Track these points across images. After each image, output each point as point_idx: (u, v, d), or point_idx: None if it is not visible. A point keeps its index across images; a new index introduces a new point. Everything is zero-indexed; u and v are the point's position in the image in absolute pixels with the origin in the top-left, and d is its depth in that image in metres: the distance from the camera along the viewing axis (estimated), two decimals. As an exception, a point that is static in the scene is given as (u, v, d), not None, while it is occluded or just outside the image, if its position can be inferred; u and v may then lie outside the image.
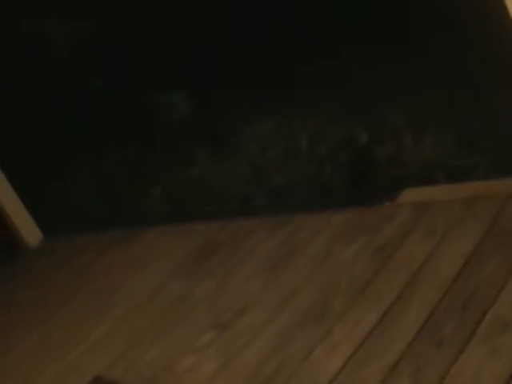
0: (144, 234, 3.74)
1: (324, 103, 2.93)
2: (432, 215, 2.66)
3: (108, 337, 3.02)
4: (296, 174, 3.12)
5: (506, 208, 2.52)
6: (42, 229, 4.53)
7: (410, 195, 2.83)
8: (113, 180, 3.95)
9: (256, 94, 3.09)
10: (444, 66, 2.62)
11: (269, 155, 3.18)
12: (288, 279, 2.74)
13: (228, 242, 3.20)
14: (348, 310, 2.41)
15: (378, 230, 2.71)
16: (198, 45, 3.18)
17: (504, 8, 2.37)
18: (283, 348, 2.39)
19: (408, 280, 2.41)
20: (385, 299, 2.38)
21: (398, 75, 2.73)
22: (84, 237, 4.10)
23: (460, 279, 2.32)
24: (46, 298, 3.71)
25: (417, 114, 2.76)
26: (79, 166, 4.07)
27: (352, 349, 2.24)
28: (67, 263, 3.97)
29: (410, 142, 2.80)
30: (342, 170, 2.99)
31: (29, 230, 4.49)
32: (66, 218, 4.34)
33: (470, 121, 2.66)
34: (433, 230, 2.58)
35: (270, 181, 3.21)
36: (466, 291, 2.25)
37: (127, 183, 3.88)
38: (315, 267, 2.72)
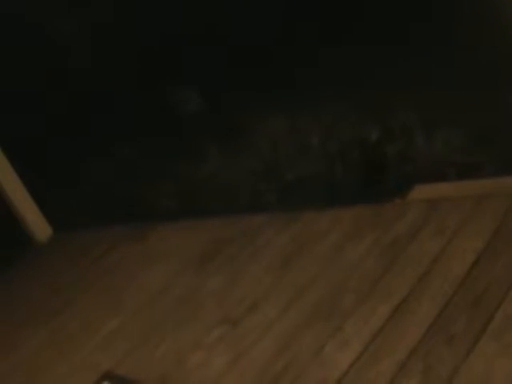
0: (155, 229, 3.75)
1: (335, 100, 2.93)
2: (443, 212, 2.66)
3: (118, 332, 3.03)
4: (307, 170, 3.11)
5: (516, 206, 2.52)
6: (52, 224, 4.54)
7: (420, 192, 2.83)
8: (123, 175, 3.95)
9: (268, 91, 3.09)
10: (456, 62, 2.61)
11: (280, 152, 3.18)
12: (298, 275, 2.74)
13: (238, 238, 3.20)
14: (358, 307, 2.42)
15: (388, 227, 2.71)
16: (210, 41, 3.18)
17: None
18: (293, 344, 2.40)
19: (418, 277, 2.42)
20: (395, 296, 2.38)
21: (409, 72, 2.72)
22: (94, 232, 4.11)
23: (470, 276, 2.32)
24: (55, 293, 3.72)
25: (428, 110, 2.75)
26: (90, 161, 4.07)
27: (362, 346, 2.24)
28: (77, 259, 3.98)
29: (420, 139, 2.79)
30: (353, 167, 2.99)
31: (39, 226, 4.51)
32: (76, 213, 4.35)
33: (481, 117, 2.65)
34: (443, 227, 2.58)
35: (280, 177, 3.21)
36: (477, 288, 2.25)
37: (138, 178, 3.88)
38: (326, 264, 2.72)
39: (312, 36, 2.87)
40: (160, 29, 3.32)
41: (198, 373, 2.52)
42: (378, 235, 2.70)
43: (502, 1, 2.39)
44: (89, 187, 4.18)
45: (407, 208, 2.77)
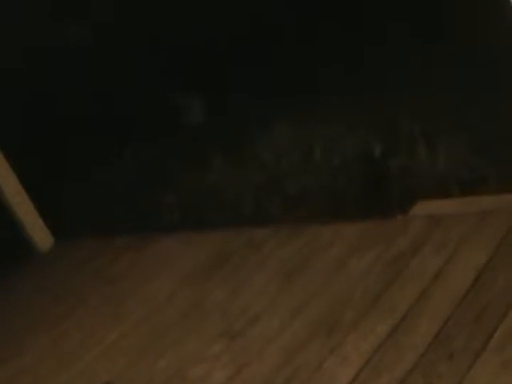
0: (158, 240, 3.74)
1: (339, 114, 2.95)
2: (445, 228, 2.66)
3: (119, 343, 3.02)
4: (310, 183, 3.12)
5: (519, 223, 2.52)
6: (54, 234, 4.54)
7: (423, 208, 2.83)
8: (127, 185, 3.96)
9: (273, 103, 3.11)
10: (459, 77, 2.63)
11: (284, 164, 3.19)
12: (301, 289, 2.75)
13: (242, 250, 3.20)
14: (360, 321, 2.42)
15: (391, 242, 2.71)
16: (216, 52, 3.19)
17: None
18: (294, 358, 2.40)
19: (420, 292, 2.42)
20: (397, 311, 2.38)
21: (413, 87, 2.74)
22: (96, 242, 4.11)
23: (472, 292, 2.32)
24: (57, 302, 3.72)
25: (431, 125, 2.77)
26: (93, 171, 4.08)
27: (363, 360, 2.24)
28: (79, 268, 3.97)
29: (424, 154, 2.80)
30: (356, 181, 3.00)
31: (41, 235, 4.50)
32: (79, 222, 4.35)
33: (484, 132, 2.66)
34: (445, 243, 2.58)
35: (284, 190, 3.22)
36: (478, 304, 2.26)
37: (141, 188, 3.89)
38: (328, 278, 2.73)
39: (318, 52, 2.89)
40: (165, 37, 3.34)
41: (199, 386, 2.53)
42: (380, 250, 2.70)
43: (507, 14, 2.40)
44: (91, 197, 4.19)
45: (410, 223, 2.77)
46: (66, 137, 4.07)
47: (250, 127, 3.22)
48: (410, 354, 2.18)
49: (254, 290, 2.90)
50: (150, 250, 3.70)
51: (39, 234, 4.49)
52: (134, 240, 3.87)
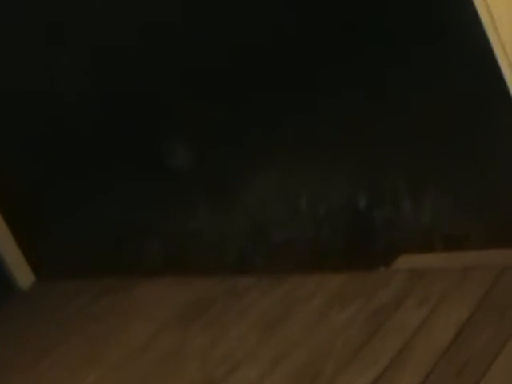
0: (139, 283, 3.73)
1: (325, 164, 2.96)
2: (427, 283, 2.67)
3: (98, 386, 3.01)
4: (294, 233, 3.13)
5: (502, 279, 2.53)
6: (36, 272, 4.51)
7: (406, 261, 2.85)
8: (110, 226, 3.95)
9: (259, 151, 3.12)
10: (446, 130, 2.65)
11: (268, 213, 3.19)
12: (282, 339, 2.74)
13: (223, 297, 3.20)
14: (341, 373, 2.41)
15: (373, 295, 2.72)
16: (199, 96, 3.21)
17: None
18: (272, 410, 2.39)
19: (402, 345, 2.42)
20: (377, 364, 2.38)
21: (399, 139, 2.76)
22: (78, 282, 4.09)
23: (454, 347, 2.33)
24: (34, 342, 3.69)
25: (417, 179, 2.78)
26: (76, 210, 4.07)
27: (343, 415, 2.24)
28: (58, 308, 3.95)
29: (408, 208, 2.82)
30: (340, 232, 3.01)
31: (22, 272, 4.48)
32: (61, 261, 4.33)
33: (470, 188, 2.68)
34: (427, 297, 2.59)
35: (268, 238, 3.23)
36: (460, 359, 2.26)
37: (124, 230, 3.88)
38: (309, 328, 2.72)
39: (300, 99, 2.91)
40: (147, 79, 3.36)
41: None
42: (362, 302, 2.71)
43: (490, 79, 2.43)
44: (74, 236, 4.17)
45: (392, 276, 2.78)
46: (49, 176, 4.08)
47: (236, 175, 3.23)
48: (390, 409, 2.18)
49: (234, 339, 2.89)
50: (132, 293, 3.69)
51: (20, 272, 4.46)
52: (115, 282, 3.86)
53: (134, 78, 3.38)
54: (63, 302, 3.98)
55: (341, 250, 3.02)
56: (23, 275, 4.47)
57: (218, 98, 3.15)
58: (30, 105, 3.90)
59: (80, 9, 3.38)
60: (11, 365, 3.53)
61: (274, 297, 3.02)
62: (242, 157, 3.18)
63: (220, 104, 3.15)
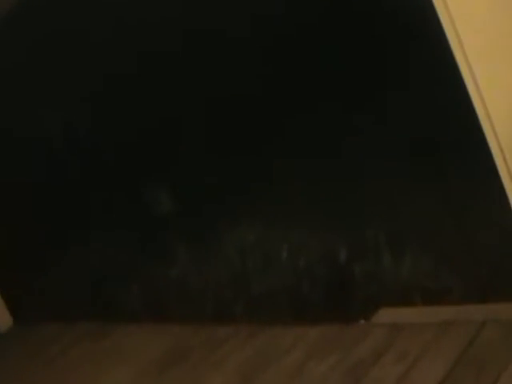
0: (116, 328, 3.71)
1: (306, 215, 2.96)
2: (406, 337, 2.66)
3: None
4: (274, 284, 3.12)
5: (481, 335, 2.53)
6: (13, 315, 4.48)
7: (385, 315, 2.84)
8: (89, 271, 3.94)
9: (241, 202, 3.12)
10: (428, 185, 2.66)
11: (248, 262, 3.19)
12: (259, 391, 2.72)
13: (201, 347, 3.18)
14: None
15: (352, 349, 2.70)
16: (182, 145, 3.22)
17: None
18: None
19: (379, 401, 2.41)
20: (354, 420, 2.36)
21: (381, 194, 2.77)
22: (55, 326, 4.07)
23: (431, 403, 2.31)
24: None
25: (397, 232, 2.79)
26: (55, 254, 4.06)
27: None
28: (35, 354, 3.92)
29: (388, 261, 2.81)
30: (320, 284, 3.00)
31: (0, 314, 4.45)
32: (39, 305, 4.30)
33: (450, 243, 2.69)
34: (406, 352, 2.58)
35: (247, 289, 3.22)
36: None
37: (103, 275, 3.86)
38: (287, 381, 2.70)
39: (286, 149, 2.92)
40: (132, 130, 3.37)
41: None
42: (340, 356, 2.69)
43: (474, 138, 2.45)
44: (53, 281, 4.15)
45: (371, 330, 2.77)
46: (27, 221, 4.07)
47: (217, 224, 3.23)
48: None
49: (211, 389, 2.87)
50: (109, 339, 3.66)
51: (-2, 315, 4.43)
52: (93, 327, 3.83)
53: (116, 127, 3.40)
54: (40, 347, 3.95)
55: (320, 303, 3.01)
56: (1, 318, 4.44)
57: (201, 148, 3.16)
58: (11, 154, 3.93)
59: (66, 57, 3.41)
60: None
61: (251, 348, 3.00)
62: (223, 207, 3.18)
63: (203, 154, 3.16)
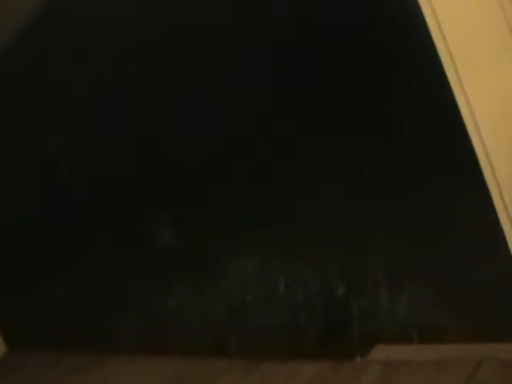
0: (112, 359, 3.68)
1: (304, 249, 2.96)
2: (402, 375, 2.65)
3: None
4: (271, 318, 3.11)
5: (477, 374, 2.52)
6: (7, 342, 4.46)
7: (382, 352, 2.82)
8: (86, 300, 3.92)
9: (238, 234, 3.12)
10: (425, 224, 2.67)
11: (246, 296, 3.18)
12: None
13: (197, 381, 3.16)
14: None
15: (347, 386, 2.70)
16: (180, 178, 3.24)
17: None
18: None
19: None
20: None
21: (379, 230, 2.77)
22: (51, 354, 4.04)
23: None
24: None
25: (395, 269, 2.79)
26: (52, 282, 4.05)
27: None
28: (29, 381, 3.89)
29: (386, 298, 2.81)
30: (317, 319, 2.99)
31: (-6, 342, 4.43)
32: (35, 332, 4.28)
33: (448, 282, 2.69)
34: (402, 390, 2.57)
35: (244, 322, 3.21)
36: None
37: (100, 305, 3.85)
38: (280, 418, 2.70)
39: (284, 183, 2.93)
40: (132, 162, 3.38)
41: None
42: (335, 393, 2.69)
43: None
44: (49, 308, 4.14)
45: (367, 368, 2.76)
46: (24, 248, 4.07)
47: (214, 257, 3.23)
48: None
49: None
50: (106, 370, 3.64)
51: (-8, 342, 4.41)
52: (89, 357, 3.80)
53: (115, 161, 3.42)
54: (34, 375, 3.91)
55: (317, 338, 3.00)
56: (-5, 345, 4.42)
57: (200, 182, 3.17)
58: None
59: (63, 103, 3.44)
60: None
61: (247, 383, 2.99)
62: (221, 239, 3.18)
63: (202, 187, 3.17)
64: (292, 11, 2.68)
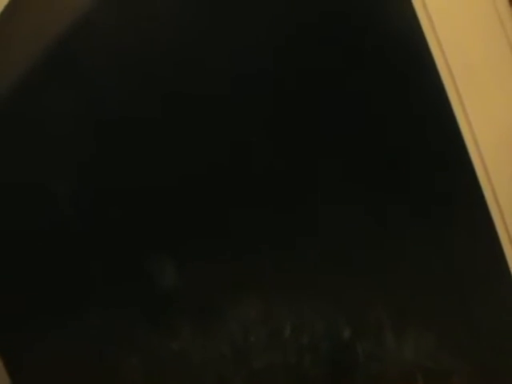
0: (115, 400, 3.67)
1: (309, 292, 2.96)
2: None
3: None
4: (276, 361, 3.10)
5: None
6: (13, 378, 4.44)
7: (386, 396, 2.81)
8: (88, 340, 3.91)
9: (244, 276, 3.12)
10: (431, 267, 2.66)
11: (251, 339, 3.17)
12: None
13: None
14: None
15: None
16: (184, 220, 3.23)
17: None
18: None
19: None
20: None
21: (385, 273, 2.77)
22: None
23: None
24: None
25: (401, 313, 2.78)
26: (56, 320, 4.04)
27: None
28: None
29: (391, 341, 2.80)
30: (322, 362, 2.98)
31: (-2, 381, 4.41)
32: (38, 369, 4.27)
33: (454, 325, 2.67)
34: None
35: (249, 365, 3.19)
36: None
37: (103, 346, 3.84)
38: None
39: (289, 227, 2.93)
40: (134, 201, 3.38)
41: None
42: None
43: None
44: (53, 347, 4.13)
45: (373, 412, 2.75)
46: (26, 286, 4.06)
47: (219, 299, 3.22)
48: None
49: None
50: (107, 411, 3.62)
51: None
52: (91, 398, 3.79)
53: (117, 200, 3.41)
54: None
55: (321, 380, 2.99)
56: (-1, 382, 4.40)
57: (204, 224, 3.17)
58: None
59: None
60: None
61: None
62: (226, 281, 3.18)
63: (206, 229, 3.17)
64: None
